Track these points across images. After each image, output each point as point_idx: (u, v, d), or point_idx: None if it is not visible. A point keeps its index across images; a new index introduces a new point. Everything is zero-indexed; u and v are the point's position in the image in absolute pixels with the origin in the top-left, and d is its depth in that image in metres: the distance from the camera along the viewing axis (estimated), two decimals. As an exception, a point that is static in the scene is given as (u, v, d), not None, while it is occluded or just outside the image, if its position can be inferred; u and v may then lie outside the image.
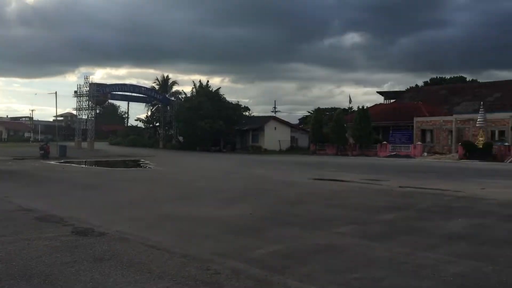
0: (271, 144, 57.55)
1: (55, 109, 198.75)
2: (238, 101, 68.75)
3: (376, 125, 53.63)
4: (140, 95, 62.67)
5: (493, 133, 46.58)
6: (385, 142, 51.16)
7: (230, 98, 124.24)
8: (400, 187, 15.96)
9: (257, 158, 41.56)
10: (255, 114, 70.69)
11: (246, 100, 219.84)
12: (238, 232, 7.94)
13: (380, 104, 70.99)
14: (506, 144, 42.31)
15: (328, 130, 53.76)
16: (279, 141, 58.53)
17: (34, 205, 10.45)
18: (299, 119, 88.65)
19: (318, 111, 57.27)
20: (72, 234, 7.42)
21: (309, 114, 73.74)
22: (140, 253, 6.26)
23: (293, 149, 59.20)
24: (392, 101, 72.64)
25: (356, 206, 11.27)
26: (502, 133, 45.83)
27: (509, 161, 38.82)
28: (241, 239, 7.38)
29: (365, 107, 52.82)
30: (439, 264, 5.91)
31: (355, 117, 51.03)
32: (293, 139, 62.46)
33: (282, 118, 66.05)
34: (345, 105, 71.06)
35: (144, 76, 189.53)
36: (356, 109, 54.02)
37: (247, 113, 68.21)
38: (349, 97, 71.61)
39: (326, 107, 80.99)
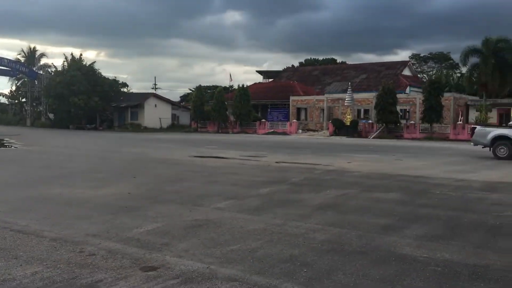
0: (152, 122, 56.25)
1: None
2: (116, 77, 65.87)
3: (255, 103, 55.30)
4: (1, 67, 56.75)
5: (359, 111, 50.89)
6: (263, 120, 53.03)
7: (107, 73, 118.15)
8: (276, 162, 16.72)
9: (136, 136, 40.34)
10: (134, 90, 68.53)
11: (125, 76, 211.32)
12: (115, 212, 7.69)
13: (259, 83, 73.19)
14: (370, 121, 46.52)
15: (210, 107, 54.05)
16: (160, 118, 57.42)
17: None
18: (180, 97, 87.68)
19: (200, 89, 57.13)
20: None
21: (191, 91, 73.18)
22: (5, 239, 5.78)
23: (174, 126, 58.55)
24: (270, 80, 75.21)
25: (234, 181, 11.57)
26: (366, 111, 50.33)
27: (372, 137, 42.74)
28: (118, 218, 7.17)
29: (245, 86, 53.97)
30: (309, 233, 6.36)
31: (236, 95, 51.95)
32: (174, 117, 61.67)
33: (163, 95, 64.65)
34: (226, 83, 71.52)
35: (7, 47, 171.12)
36: (236, 88, 54.93)
37: (125, 90, 65.74)
38: (230, 75, 72.61)
39: (208, 85, 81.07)
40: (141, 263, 4.96)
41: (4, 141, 29.43)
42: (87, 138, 34.47)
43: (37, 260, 4.96)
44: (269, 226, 6.76)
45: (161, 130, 54.83)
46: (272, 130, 50.10)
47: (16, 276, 4.47)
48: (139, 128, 53.82)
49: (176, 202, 8.67)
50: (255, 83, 69.06)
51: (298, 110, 55.56)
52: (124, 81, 71.32)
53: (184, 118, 62.40)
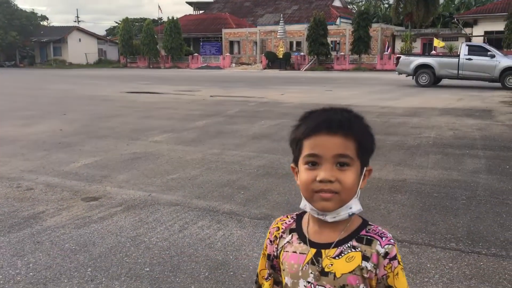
0: (77, 58, 53.43)
1: None
2: (33, 9, 61.00)
3: (187, 36, 53.74)
4: None
5: (291, 43, 51.03)
6: (196, 54, 51.98)
7: (23, 5, 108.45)
8: (211, 96, 16.79)
9: (61, 72, 38.31)
10: (55, 24, 64.10)
11: (43, 8, 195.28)
12: (48, 148, 7.57)
13: (190, 15, 70.63)
14: (302, 54, 46.97)
15: (139, 41, 51.98)
16: (86, 54, 54.64)
17: None
18: (106, 30, 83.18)
19: (127, 22, 54.36)
20: None
21: (117, 24, 69.49)
22: None
23: (102, 62, 56.06)
24: (201, 12, 72.87)
25: (170, 116, 11.59)
26: (299, 43, 50.57)
27: (304, 69, 43.44)
28: (52, 155, 7.09)
29: (175, 18, 52.02)
30: (245, 160, 6.67)
31: (166, 28, 50.18)
32: (101, 52, 58.86)
33: (87, 29, 60.97)
34: (155, 15, 68.57)
35: None
36: (166, 20, 52.88)
37: (45, 23, 61.31)
38: (159, 6, 69.03)
39: (135, 17, 77.19)
40: (82, 194, 5.06)
41: None
42: (8, 76, 32.33)
43: (-28, 198, 4.91)
44: (206, 155, 7.00)
45: (87, 66, 52.33)
46: (205, 65, 49.42)
47: (-48, 213, 4.43)
48: (63, 65, 51.04)
49: (112, 137, 8.64)
50: (185, 15, 66.64)
51: (231, 43, 54.79)
52: (43, 14, 66.17)
53: (112, 53, 59.74)
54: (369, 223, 1.20)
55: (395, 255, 1.16)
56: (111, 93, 18.27)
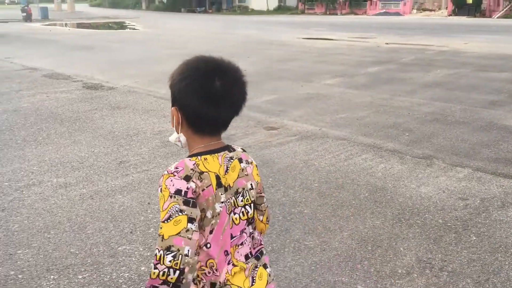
0: (259, 4, 55.87)
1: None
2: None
3: (367, -19, 51.82)
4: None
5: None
6: (375, 0, 50.04)
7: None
8: (386, 43, 16.50)
9: (244, 18, 40.85)
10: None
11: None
12: (235, 85, 8.66)
13: (372, -42, 67.40)
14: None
15: (318, -13, 52.00)
16: (267, 0, 56.73)
17: (37, 64, 10.92)
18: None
19: (307, -33, 54.50)
20: (84, 88, 8.09)
21: (298, -30, 70.05)
22: (151, 103, 7.01)
23: (281, 8, 57.70)
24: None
25: (343, 61, 11.93)
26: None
27: (496, 16, 38.78)
28: (239, 90, 8.13)
29: (356, -38, 50.39)
30: (414, 106, 6.80)
31: (346, -27, 49.07)
32: (281, -2, 60.50)
33: (270, -25, 62.91)
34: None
35: None
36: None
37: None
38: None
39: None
40: (264, 124, 5.89)
41: (126, 24, 31.79)
42: (199, 21, 35.79)
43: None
44: (375, 100, 7.29)
45: (268, 12, 54.54)
46: (384, 11, 47.42)
47: (167, 128, 5.63)
48: (246, 11, 54.06)
49: (288, 78, 9.41)
50: (367, -41, 63.91)
51: (414, -13, 51.24)
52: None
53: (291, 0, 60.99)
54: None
55: None
56: (288, 39, 19.18)
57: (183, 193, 1.16)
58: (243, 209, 1.30)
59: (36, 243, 2.88)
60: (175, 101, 1.28)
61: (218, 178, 1.23)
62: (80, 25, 30.13)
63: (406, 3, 47.29)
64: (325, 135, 5.36)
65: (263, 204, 1.41)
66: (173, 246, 1.11)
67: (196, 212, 1.16)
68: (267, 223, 1.46)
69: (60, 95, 7.47)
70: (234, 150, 1.32)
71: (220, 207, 1.23)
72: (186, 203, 1.15)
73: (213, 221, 1.22)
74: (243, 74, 1.33)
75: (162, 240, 1.12)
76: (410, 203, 3.47)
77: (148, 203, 3.47)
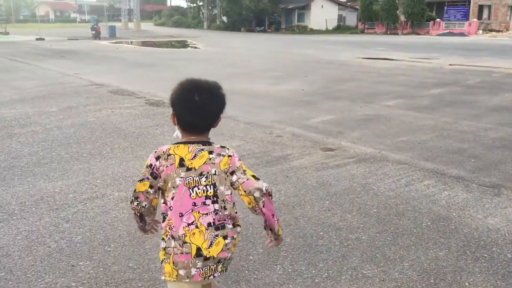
0: (317, 24, 56.05)
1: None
2: (284, -23, 65.75)
3: (430, 1, 50.76)
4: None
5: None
6: (438, 20, 48.82)
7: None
8: (450, 64, 15.97)
9: (303, 38, 41.04)
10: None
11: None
12: (292, 104, 8.67)
13: (436, -23, 65.97)
14: None
15: (379, 7, 51.44)
16: (326, 20, 56.79)
17: (103, 80, 11.46)
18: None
19: (369, -13, 54.10)
20: (147, 104, 8.38)
21: (358, -10, 69.76)
22: (210, 120, 7.12)
23: (340, 28, 57.54)
24: (449, -26, 67.23)
25: (404, 82, 11.65)
26: None
27: None
28: (296, 110, 8.12)
29: (419, -19, 49.47)
30: (480, 130, 6.49)
31: (408, -7, 48.29)
32: (340, 18, 60.36)
33: (330, -5, 63.04)
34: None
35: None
36: (409, -16, 50.77)
37: (292, -10, 65.51)
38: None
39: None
40: (321, 144, 5.82)
41: (188, 42, 32.81)
42: (258, 40, 36.33)
43: (237, 137, 6.16)
44: (438, 123, 7.03)
45: (327, 31, 54.53)
46: (448, 31, 46.09)
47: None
48: (305, 30, 54.30)
49: (346, 98, 9.30)
50: (431, -22, 62.61)
51: (480, 7, 49.52)
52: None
53: (351, 19, 60.67)
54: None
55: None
56: (347, 58, 19.03)
57: (151, 167, 1.78)
58: (204, 188, 1.77)
59: (97, 255, 2.96)
60: (172, 109, 1.83)
61: (182, 160, 1.77)
62: (144, 43, 31.45)
63: (472, 24, 45.73)
64: (384, 158, 5.21)
65: (236, 183, 1.79)
66: (138, 198, 1.81)
67: (155, 182, 1.78)
68: (249, 194, 1.78)
69: (124, 110, 7.77)
70: (210, 145, 1.82)
71: (180, 181, 1.75)
72: (151, 174, 1.78)
73: (173, 190, 1.76)
74: (221, 91, 1.88)
75: (134, 191, 1.82)
76: (476, 235, 3.28)
77: (205, 221, 3.49)
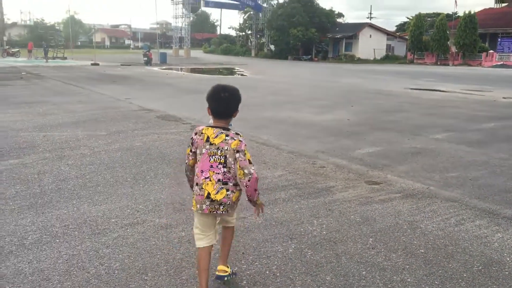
0: (365, 53, 55.75)
1: (147, 17, 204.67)
2: (332, 7, 66.29)
3: (483, 32, 49.56)
4: (232, 1, 62.51)
5: None
6: (491, 51, 47.43)
7: (323, 3, 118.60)
8: (504, 97, 15.37)
9: (350, 67, 40.87)
10: (349, 20, 68.22)
11: (340, 6, 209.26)
12: (337, 134, 8.54)
13: (490, 8, 64.51)
14: None
15: (429, 37, 50.67)
16: (374, 49, 56.42)
17: (152, 106, 11.76)
18: (396, 26, 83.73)
19: (419, 17, 53.54)
20: (192, 131, 8.48)
21: (408, 20, 69.17)
22: (253, 148, 7.12)
23: (389, 58, 56.96)
24: (504, 5, 65.57)
25: (454, 115, 11.28)
26: None
27: None
28: (340, 140, 7.99)
29: (472, 12, 48.48)
30: (538, 169, 6.12)
31: (460, 23, 47.43)
32: (388, 48, 59.85)
33: (378, 25, 62.80)
34: (450, 10, 65.17)
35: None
36: (461, 15, 49.86)
37: (340, 20, 65.84)
38: (455, 0, 64.64)
39: (428, 12, 75.16)
40: (365, 177, 5.66)
41: (235, 70, 33.38)
42: (305, 69, 36.47)
43: (280, 167, 6.10)
44: (491, 159, 6.70)
45: (374, 61, 54.09)
46: (502, 63, 44.64)
47: (267, 175, 5.64)
48: (352, 59, 54.10)
49: (394, 130, 9.07)
50: (484, 9, 61.24)
51: (537, 39, 47.76)
52: (339, 11, 71.12)
53: (399, 49, 60.01)
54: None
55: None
56: (395, 89, 18.71)
57: (192, 139, 2.71)
58: (218, 157, 2.64)
59: (134, 284, 2.95)
60: (207, 103, 2.70)
61: (208, 138, 2.66)
62: (193, 70, 32.27)
63: (528, 55, 44.10)
64: (433, 195, 4.99)
65: (236, 159, 2.63)
66: (187, 158, 2.81)
67: (192, 149, 2.73)
68: (241, 169, 2.62)
69: (170, 136, 7.91)
70: (228, 130, 2.69)
71: (205, 150, 2.66)
72: (192, 144, 2.72)
73: (200, 157, 2.68)
74: (238, 92, 2.79)
75: (186, 154, 2.82)
76: None
77: (243, 253, 3.42)
